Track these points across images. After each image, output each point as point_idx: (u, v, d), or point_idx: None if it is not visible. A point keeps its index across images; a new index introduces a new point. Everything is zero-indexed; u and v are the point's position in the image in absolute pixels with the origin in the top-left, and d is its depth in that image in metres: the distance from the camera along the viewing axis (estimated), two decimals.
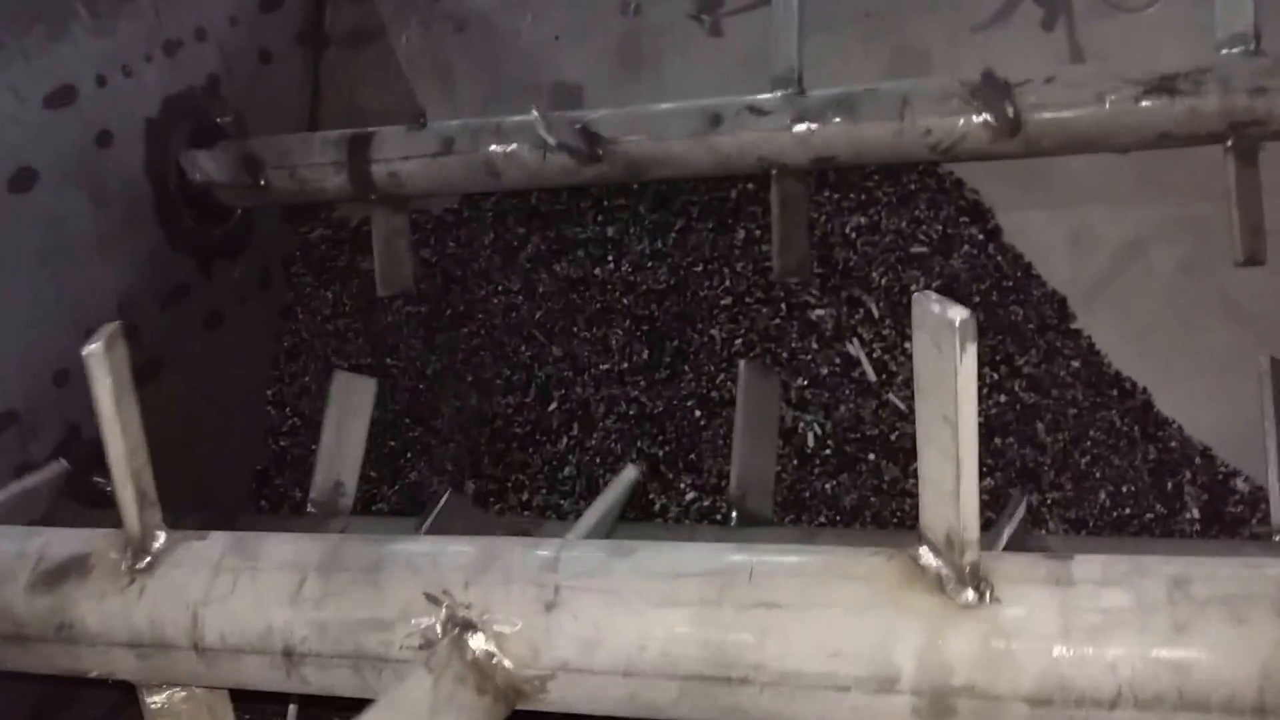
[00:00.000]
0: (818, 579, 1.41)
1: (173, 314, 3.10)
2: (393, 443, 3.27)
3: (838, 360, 2.99)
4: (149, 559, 1.72)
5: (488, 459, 3.15)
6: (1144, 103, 2.57)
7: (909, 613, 1.35)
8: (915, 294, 1.32)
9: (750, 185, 3.15)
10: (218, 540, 1.72)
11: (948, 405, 1.28)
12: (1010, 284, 3.00)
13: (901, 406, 2.92)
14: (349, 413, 2.81)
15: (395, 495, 3.21)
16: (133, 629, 1.68)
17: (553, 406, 3.15)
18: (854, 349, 2.99)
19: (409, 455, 3.25)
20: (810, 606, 1.38)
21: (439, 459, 3.21)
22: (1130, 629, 1.29)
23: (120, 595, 1.69)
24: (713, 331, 3.09)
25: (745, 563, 1.44)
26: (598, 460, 3.06)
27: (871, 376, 2.94)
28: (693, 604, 1.42)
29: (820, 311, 3.03)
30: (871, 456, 2.92)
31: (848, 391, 2.96)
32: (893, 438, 2.93)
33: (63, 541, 1.82)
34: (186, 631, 1.64)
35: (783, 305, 3.06)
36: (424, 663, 1.45)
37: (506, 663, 1.47)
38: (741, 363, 2.62)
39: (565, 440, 3.14)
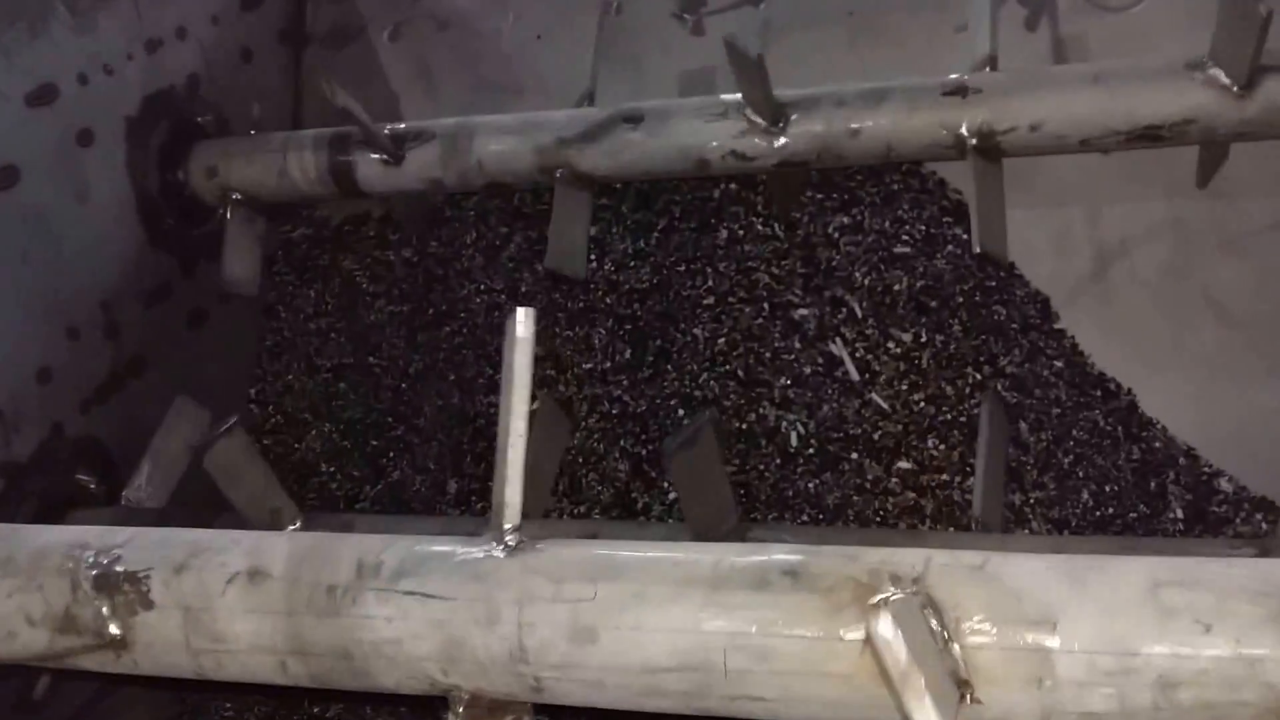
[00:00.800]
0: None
1: (155, 313, 3.10)
2: (375, 442, 3.26)
3: (820, 360, 2.98)
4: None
5: (470, 458, 3.15)
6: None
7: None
8: None
9: (733, 185, 3.15)
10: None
11: None
12: (993, 284, 3.00)
13: (884, 406, 2.92)
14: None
15: (378, 494, 3.21)
16: None
17: (536, 405, 3.14)
18: (837, 349, 2.98)
19: (391, 454, 3.24)
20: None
21: (421, 458, 3.20)
22: None
23: None
24: (695, 331, 3.09)
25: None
26: (580, 460, 3.05)
27: (854, 376, 2.94)
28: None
29: (803, 311, 3.02)
30: (854, 456, 2.91)
31: (831, 391, 2.96)
32: (875, 437, 2.93)
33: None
34: None
35: (765, 305, 3.05)
36: None
37: None
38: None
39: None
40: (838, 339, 2.99)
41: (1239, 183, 2.77)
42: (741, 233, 3.12)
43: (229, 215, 3.13)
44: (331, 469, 3.25)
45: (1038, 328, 3.00)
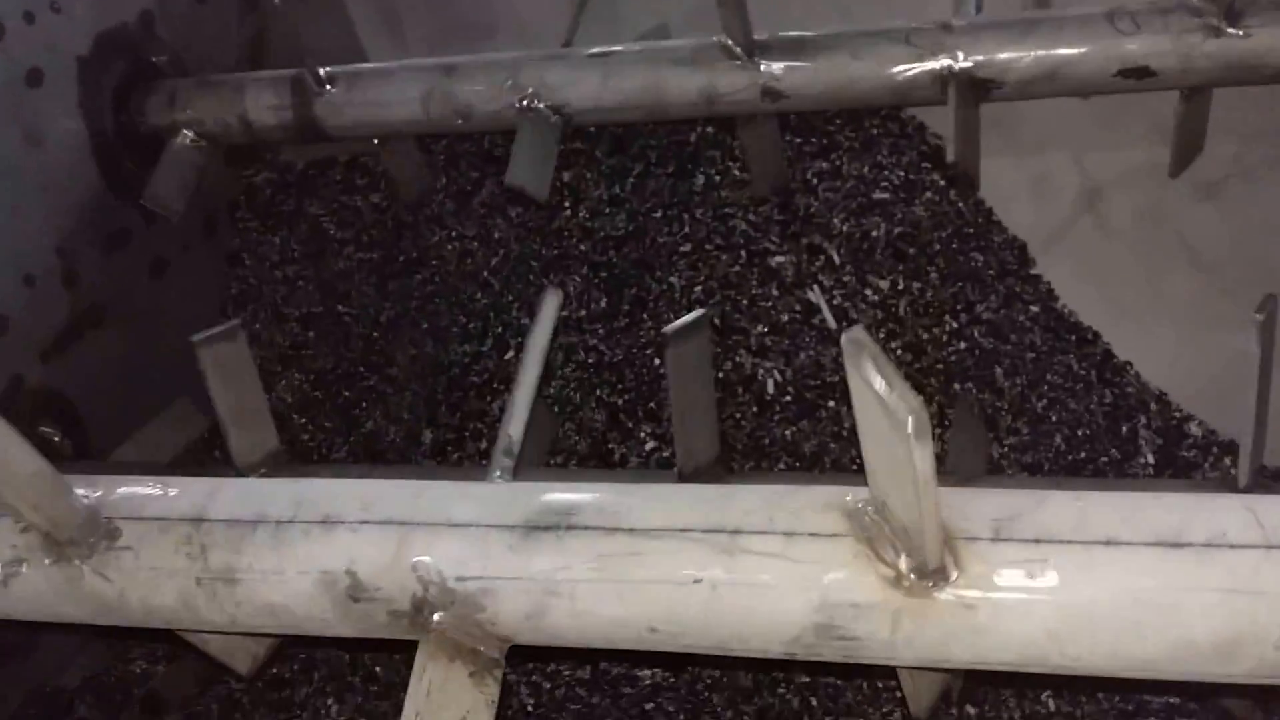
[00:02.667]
0: None
1: (115, 260, 3.03)
2: (347, 392, 3.21)
3: (798, 307, 2.97)
4: None
5: (445, 407, 3.11)
6: None
7: None
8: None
9: (709, 129, 3.10)
10: None
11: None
12: (971, 230, 2.99)
13: None
14: None
15: (352, 446, 3.17)
16: None
17: (510, 355, 3.11)
18: (814, 296, 2.97)
19: (364, 404, 3.19)
20: None
21: (395, 408, 3.15)
22: None
23: None
24: (672, 279, 3.05)
25: None
26: (556, 409, 3.02)
27: (832, 324, 2.93)
28: None
29: (780, 258, 3.00)
30: (831, 403, 2.91)
31: (808, 339, 2.94)
32: None
33: None
34: None
35: (742, 252, 3.02)
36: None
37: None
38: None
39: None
40: (815, 286, 2.97)
41: (1215, 128, 2.78)
42: (718, 178, 3.08)
43: (173, 141, 3.06)
44: (303, 420, 3.20)
45: (1014, 273, 3.00)
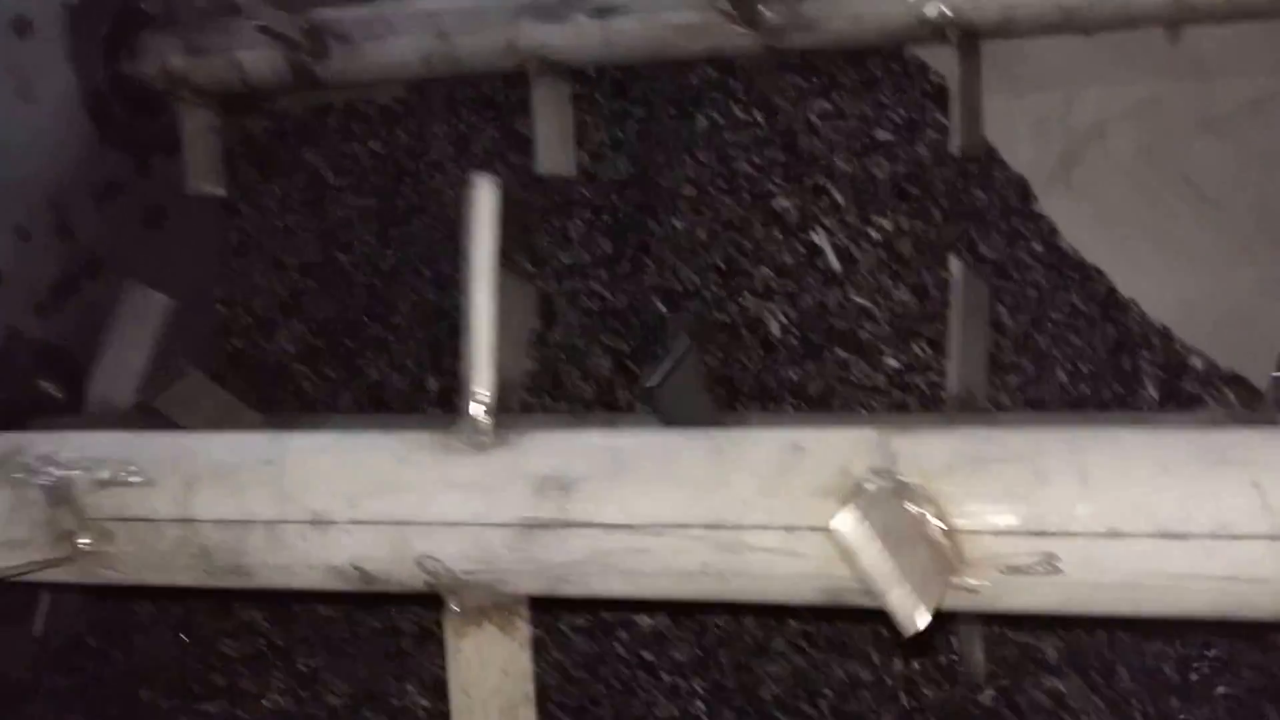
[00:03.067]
0: None
1: (110, 212, 3.00)
2: (350, 342, 3.20)
3: (802, 250, 2.96)
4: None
5: (450, 354, 3.10)
6: None
7: None
8: None
9: (711, 70, 3.08)
10: None
11: None
12: (974, 169, 2.99)
13: (865, 303, 2.92)
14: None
15: (356, 395, 3.16)
16: None
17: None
18: (819, 238, 2.96)
19: (368, 353, 3.19)
20: None
21: (399, 356, 3.15)
22: None
23: None
24: (675, 222, 3.04)
25: None
26: (562, 356, 3.02)
27: (836, 266, 2.92)
28: None
29: (784, 201, 2.99)
30: (837, 348, 2.91)
31: (812, 281, 2.94)
32: (859, 330, 2.93)
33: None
34: None
35: (746, 195, 3.01)
36: None
37: None
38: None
39: (528, 335, 3.09)
40: (819, 229, 2.96)
41: (1217, 63, 2.77)
42: (721, 120, 3.06)
43: (184, 117, 3.05)
44: (305, 369, 3.19)
45: (1017, 211, 3.00)
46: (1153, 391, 2.94)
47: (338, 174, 3.34)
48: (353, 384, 3.16)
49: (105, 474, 1.60)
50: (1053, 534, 1.24)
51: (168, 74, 3.03)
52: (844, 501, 1.27)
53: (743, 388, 2.91)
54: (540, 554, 1.45)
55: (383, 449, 1.55)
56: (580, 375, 2.95)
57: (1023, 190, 3.01)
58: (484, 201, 1.52)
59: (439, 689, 2.46)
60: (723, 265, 2.99)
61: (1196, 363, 2.96)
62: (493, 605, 1.53)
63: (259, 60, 2.98)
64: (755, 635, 2.71)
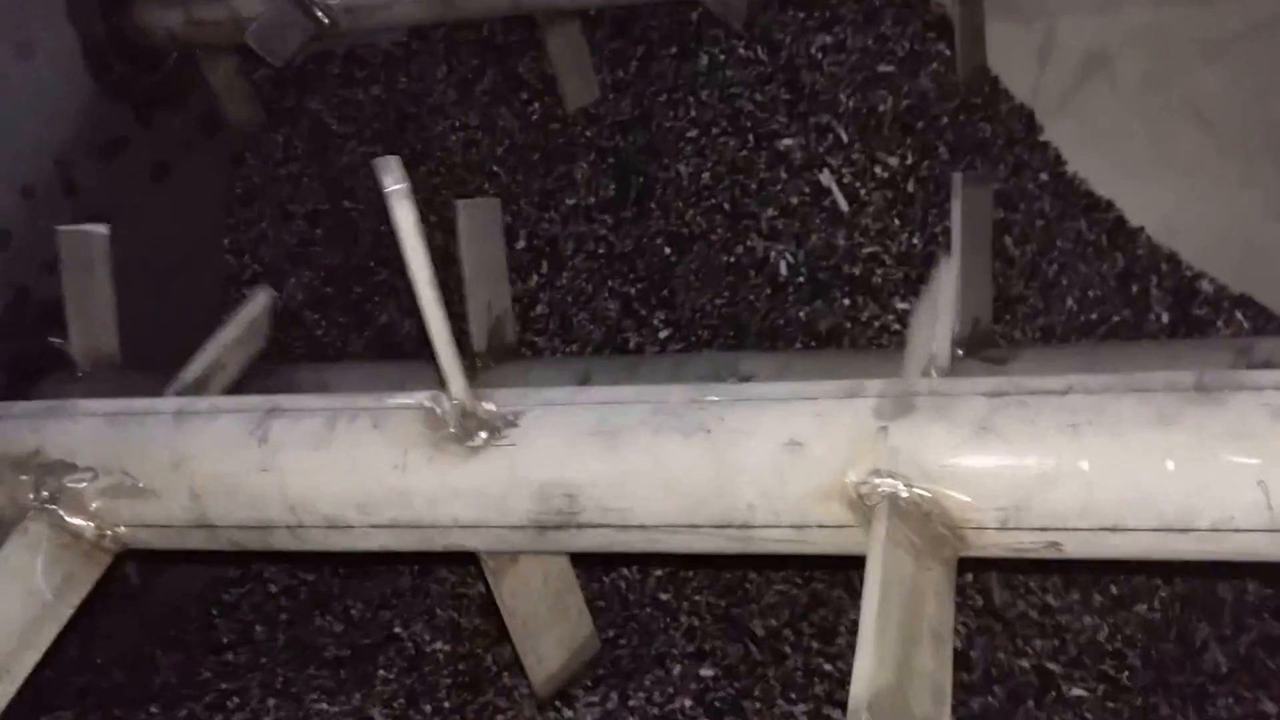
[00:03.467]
0: None
1: (114, 167, 3.01)
2: (359, 288, 3.22)
3: (807, 189, 2.96)
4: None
5: (458, 298, 3.12)
6: None
7: None
8: None
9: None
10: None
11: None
12: (978, 100, 2.97)
13: (873, 248, 2.92)
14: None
15: (367, 340, 3.19)
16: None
17: (520, 244, 3.11)
18: (825, 178, 2.95)
19: (376, 299, 3.20)
20: None
21: (408, 301, 3.15)
22: None
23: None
24: (679, 166, 3.04)
25: None
26: (569, 299, 3.04)
27: (843, 206, 2.92)
28: None
29: (789, 141, 2.98)
30: (846, 287, 2.92)
31: (819, 221, 2.94)
32: (872, 273, 2.93)
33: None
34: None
35: (750, 136, 3.00)
36: None
37: None
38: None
39: (535, 278, 3.11)
40: (825, 169, 2.95)
41: None
42: (723, 57, 3.04)
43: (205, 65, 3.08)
44: (316, 316, 3.22)
45: (1022, 141, 2.99)
46: (1163, 316, 2.95)
47: (341, 121, 3.33)
48: (364, 329, 3.18)
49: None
50: (1056, 529, 1.26)
51: (167, 27, 3.01)
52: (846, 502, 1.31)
53: (751, 327, 2.92)
54: (557, 543, 1.50)
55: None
56: (589, 318, 2.97)
57: (1028, 120, 3.00)
58: (403, 212, 1.52)
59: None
60: (728, 207, 2.99)
61: (1206, 286, 2.96)
62: None
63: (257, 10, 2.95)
64: None
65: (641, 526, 1.43)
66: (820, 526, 1.34)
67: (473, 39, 3.24)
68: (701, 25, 3.08)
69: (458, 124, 3.24)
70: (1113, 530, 1.23)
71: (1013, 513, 1.26)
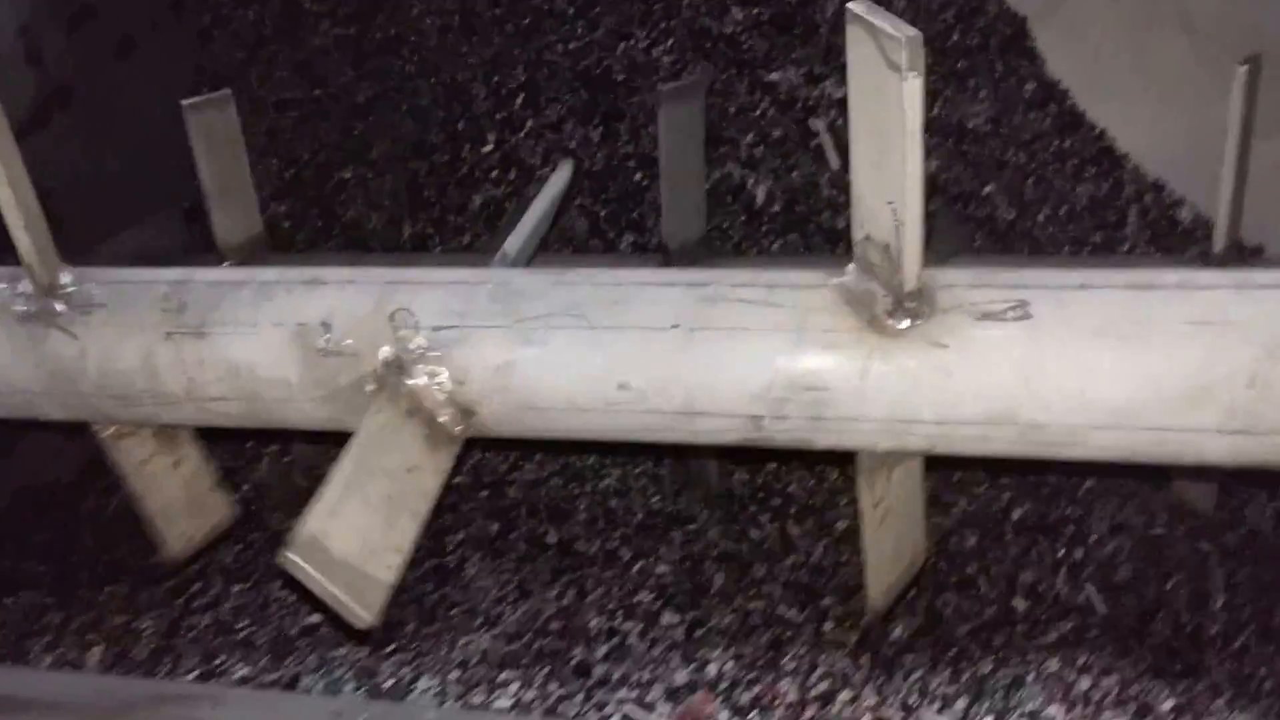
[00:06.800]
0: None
1: (79, 39, 2.90)
2: (327, 180, 3.14)
3: (794, 125, 2.85)
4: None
5: (428, 191, 3.05)
6: None
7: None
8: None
9: None
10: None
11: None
12: (971, 6, 2.84)
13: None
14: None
15: (333, 235, 3.13)
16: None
17: (488, 149, 3.02)
18: (819, 127, 2.84)
19: (344, 193, 3.13)
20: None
21: (376, 194, 3.09)
22: None
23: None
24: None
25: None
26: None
27: (834, 163, 2.81)
28: None
29: (776, 75, 2.86)
30: (825, 215, 2.84)
31: (801, 158, 2.85)
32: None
33: None
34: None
35: (735, 69, 2.88)
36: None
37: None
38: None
39: (504, 186, 3.04)
40: (819, 119, 2.84)
41: None
42: None
43: None
44: (283, 208, 3.15)
45: (1014, 48, 2.86)
46: (1141, 233, 2.85)
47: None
48: (331, 223, 3.11)
49: None
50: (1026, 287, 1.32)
51: None
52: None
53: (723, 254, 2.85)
54: (521, 305, 1.50)
55: None
56: (555, 235, 2.90)
57: (1020, 27, 2.87)
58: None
59: None
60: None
61: (1185, 214, 2.85)
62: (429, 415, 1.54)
63: None
64: None
65: (617, 284, 1.49)
66: (793, 287, 1.41)
67: None
68: None
69: (433, 8, 3.10)
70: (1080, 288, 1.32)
71: (985, 274, 1.36)
